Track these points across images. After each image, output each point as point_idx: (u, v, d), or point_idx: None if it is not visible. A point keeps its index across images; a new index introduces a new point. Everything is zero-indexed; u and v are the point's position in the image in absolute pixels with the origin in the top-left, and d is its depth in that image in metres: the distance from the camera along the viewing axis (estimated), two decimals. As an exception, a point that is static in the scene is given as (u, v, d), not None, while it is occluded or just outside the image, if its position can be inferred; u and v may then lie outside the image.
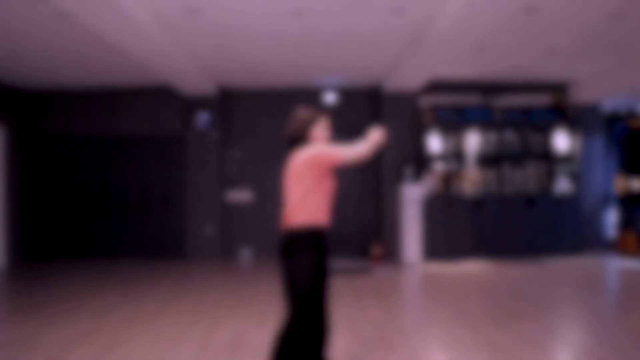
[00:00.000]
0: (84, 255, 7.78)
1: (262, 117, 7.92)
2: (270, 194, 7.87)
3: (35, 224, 7.82)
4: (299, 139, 2.59)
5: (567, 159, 7.69)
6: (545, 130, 7.63)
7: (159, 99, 7.80)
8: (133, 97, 7.81)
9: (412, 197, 7.15)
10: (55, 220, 7.82)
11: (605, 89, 7.38)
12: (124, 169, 7.84)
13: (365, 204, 7.93)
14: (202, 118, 7.67)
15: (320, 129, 2.62)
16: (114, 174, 7.84)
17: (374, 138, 2.49)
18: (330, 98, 7.92)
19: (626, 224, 7.80)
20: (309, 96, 7.90)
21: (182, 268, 7.06)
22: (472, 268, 6.80)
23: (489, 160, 7.64)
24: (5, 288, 6.06)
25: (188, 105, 7.72)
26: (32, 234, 7.81)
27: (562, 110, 7.70)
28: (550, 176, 7.67)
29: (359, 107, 7.99)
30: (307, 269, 2.40)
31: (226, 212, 7.90)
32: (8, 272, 6.93)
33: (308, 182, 2.43)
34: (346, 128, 7.89)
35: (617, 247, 7.91)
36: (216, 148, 7.74)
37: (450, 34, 4.99)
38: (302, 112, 2.63)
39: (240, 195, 7.91)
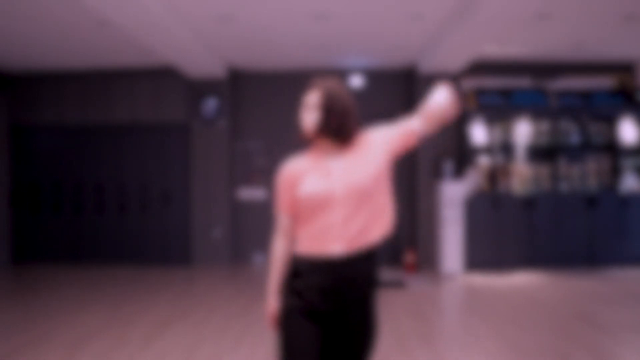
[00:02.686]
0: (77, 258, 6.93)
1: (278, 103, 6.95)
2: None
3: (25, 222, 7.02)
4: None
5: (635, 152, 6.55)
6: (608, 118, 6.51)
7: (160, 82, 6.88)
8: (131, 81, 6.90)
9: (452, 196, 6.15)
10: (46, 219, 7.00)
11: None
12: (121, 162, 6.94)
13: (397, 205, 6.91)
14: (210, 104, 6.73)
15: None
16: (110, 168, 6.95)
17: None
18: (356, 81, 6.91)
19: None
20: (332, 79, 6.90)
21: (186, 276, 6.19)
22: (523, 281, 5.76)
23: (542, 153, 6.57)
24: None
25: (193, 89, 6.79)
26: (22, 233, 7.02)
27: (629, 94, 6.56)
28: (614, 172, 6.56)
29: (390, 91, 6.96)
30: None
31: (237, 211, 6.99)
32: (-9, 279, 6.15)
33: None
34: (375, 115, 6.88)
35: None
36: (226, 138, 6.81)
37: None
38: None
39: (253, 193, 6.98)
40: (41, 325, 4.15)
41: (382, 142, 1.75)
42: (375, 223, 1.68)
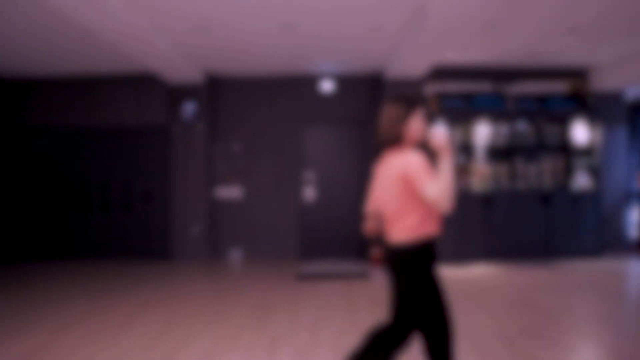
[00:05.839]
0: (63, 256, 7.26)
1: (253, 107, 7.34)
2: (262, 191, 7.29)
3: (11, 222, 7.32)
4: (393, 139, 2.35)
5: (587, 152, 7.01)
6: (562, 120, 6.95)
7: (142, 88, 7.24)
8: (114, 86, 7.26)
9: (416, 193, 6.52)
10: (32, 218, 7.31)
11: (629, 76, 6.72)
12: (105, 163, 7.29)
13: (363, 202, 7.32)
14: (189, 108, 7.10)
15: (416, 124, 2.36)
16: (94, 168, 7.29)
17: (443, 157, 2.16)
18: (326, 86, 7.31)
19: (652, 223, 7.13)
20: (304, 84, 7.30)
21: (166, 270, 6.52)
22: (481, 272, 6.17)
23: (500, 153, 7.00)
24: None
25: (173, 94, 7.15)
26: (7, 233, 7.31)
27: (581, 98, 7.03)
28: (567, 171, 7.01)
29: (359, 96, 7.37)
30: (415, 286, 2.28)
31: (214, 209, 7.34)
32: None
33: (405, 196, 2.26)
34: (345, 118, 7.29)
35: (641, 248, 7.24)
36: (204, 141, 7.17)
37: (458, 6, 4.37)
38: (392, 109, 2.37)
39: (230, 192, 7.33)
40: (28, 312, 4.48)
41: (398, 170, 2.34)
42: (400, 227, 2.37)
